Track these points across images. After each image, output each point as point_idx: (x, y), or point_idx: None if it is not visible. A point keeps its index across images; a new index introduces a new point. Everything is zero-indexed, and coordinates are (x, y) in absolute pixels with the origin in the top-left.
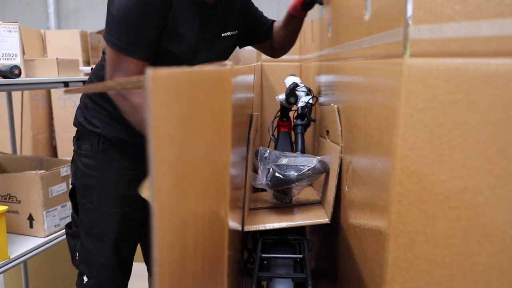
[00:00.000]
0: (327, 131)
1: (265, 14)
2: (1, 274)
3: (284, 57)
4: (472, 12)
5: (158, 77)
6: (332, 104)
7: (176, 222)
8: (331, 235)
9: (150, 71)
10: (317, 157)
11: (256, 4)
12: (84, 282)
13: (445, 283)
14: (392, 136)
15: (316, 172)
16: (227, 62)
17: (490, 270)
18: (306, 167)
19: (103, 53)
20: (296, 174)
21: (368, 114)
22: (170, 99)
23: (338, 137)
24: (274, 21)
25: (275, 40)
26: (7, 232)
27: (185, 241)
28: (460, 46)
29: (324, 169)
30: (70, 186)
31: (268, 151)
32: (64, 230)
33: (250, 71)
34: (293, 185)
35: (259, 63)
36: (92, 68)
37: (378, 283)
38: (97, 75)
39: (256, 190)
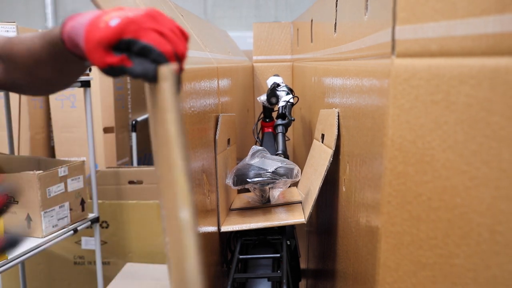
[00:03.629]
0: (323, 135)
1: (263, 14)
2: None
3: (275, 57)
4: (449, 11)
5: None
6: (333, 108)
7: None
8: (329, 234)
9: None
10: (284, 163)
11: (254, 5)
12: None
13: (428, 284)
14: (383, 136)
15: (276, 176)
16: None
17: (467, 272)
18: (265, 170)
19: None
20: (253, 174)
21: (364, 115)
22: None
23: (333, 141)
24: None
25: None
26: (5, 233)
27: None
28: (438, 46)
29: (286, 175)
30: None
31: (254, 150)
32: (62, 231)
33: (203, 77)
34: (259, 185)
35: (250, 63)
36: (90, 69)
37: (371, 283)
38: None
39: (245, 190)
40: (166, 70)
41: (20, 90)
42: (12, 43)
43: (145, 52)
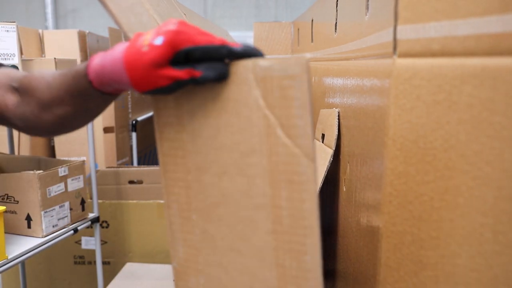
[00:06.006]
0: (323, 135)
1: (263, 14)
2: None
3: (276, 56)
4: (450, 11)
5: None
6: (333, 108)
7: None
8: (330, 234)
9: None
10: None
11: (255, 5)
12: None
13: (430, 284)
14: (384, 136)
15: None
16: None
17: (469, 273)
18: None
19: None
20: None
21: (365, 115)
22: None
23: (333, 141)
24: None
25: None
26: (5, 233)
27: None
28: (440, 46)
29: None
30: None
31: None
32: (62, 231)
33: None
34: None
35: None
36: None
37: (372, 283)
38: None
39: None
40: (250, 64)
41: (26, 126)
42: (31, 77)
43: (208, 54)
